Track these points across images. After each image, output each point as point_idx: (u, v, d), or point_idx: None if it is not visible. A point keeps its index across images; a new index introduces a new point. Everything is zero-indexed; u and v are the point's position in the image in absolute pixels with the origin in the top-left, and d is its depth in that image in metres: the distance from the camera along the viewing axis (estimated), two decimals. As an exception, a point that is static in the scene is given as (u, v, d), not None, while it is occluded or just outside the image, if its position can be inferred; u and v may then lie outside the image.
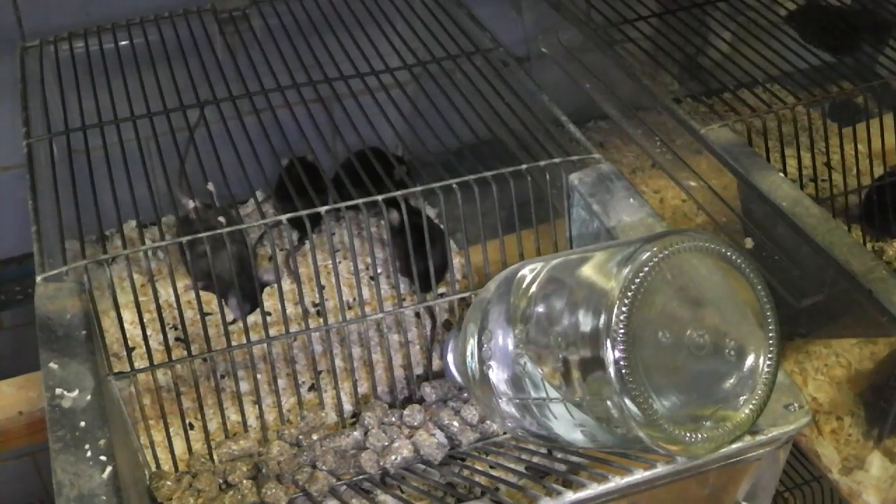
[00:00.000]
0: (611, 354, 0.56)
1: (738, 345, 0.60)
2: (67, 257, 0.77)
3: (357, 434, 0.80)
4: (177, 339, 0.94)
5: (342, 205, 0.81)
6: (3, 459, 1.34)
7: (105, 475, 0.62)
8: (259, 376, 0.86)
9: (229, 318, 0.91)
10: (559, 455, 0.74)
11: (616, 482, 0.64)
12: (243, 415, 0.82)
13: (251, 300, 0.90)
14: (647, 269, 0.57)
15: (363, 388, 0.88)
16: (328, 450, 0.78)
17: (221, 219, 0.90)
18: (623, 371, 0.56)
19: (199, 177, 0.87)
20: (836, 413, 0.96)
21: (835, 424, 0.95)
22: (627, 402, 0.56)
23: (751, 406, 0.60)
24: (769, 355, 0.61)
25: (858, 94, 1.02)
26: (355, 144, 0.92)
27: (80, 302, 0.74)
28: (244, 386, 0.86)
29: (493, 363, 0.67)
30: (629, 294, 0.57)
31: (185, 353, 0.79)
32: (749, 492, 0.72)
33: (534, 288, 0.65)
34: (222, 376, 0.88)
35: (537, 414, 0.64)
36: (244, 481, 0.76)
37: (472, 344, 0.70)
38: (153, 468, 0.78)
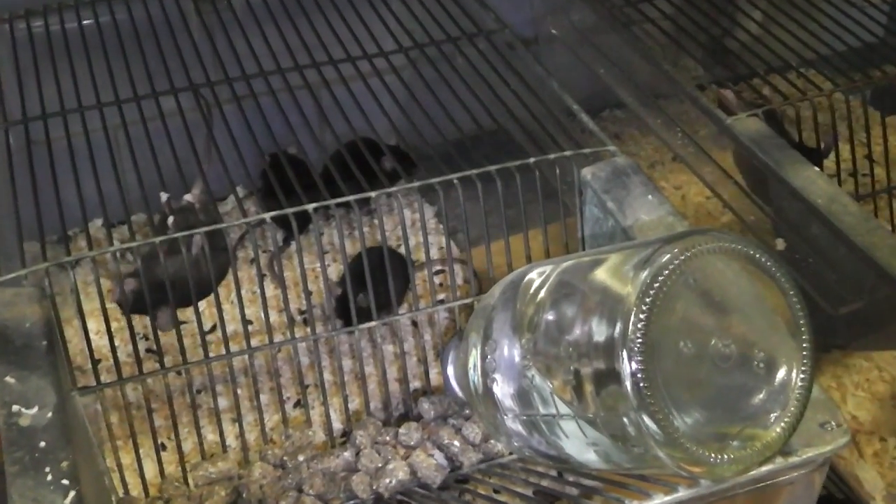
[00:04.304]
0: (627, 366, 0.56)
1: (767, 356, 0.60)
2: (26, 260, 0.77)
3: (347, 455, 0.80)
4: (148, 350, 0.94)
5: (332, 202, 0.81)
6: (-44, 484, 1.34)
7: (67, 501, 0.62)
8: (239, 391, 0.86)
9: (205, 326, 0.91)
10: (570, 478, 0.74)
11: (633, 508, 0.64)
12: (222, 434, 0.82)
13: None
14: (666, 272, 0.57)
15: (354, 403, 0.88)
16: (316, 472, 0.78)
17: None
18: (640, 384, 0.56)
19: (175, 172, 0.87)
20: (878, 433, 0.96)
21: (877, 446, 0.95)
22: (645, 418, 0.56)
23: (782, 424, 0.60)
24: (802, 368, 0.61)
25: (903, 79, 1.03)
26: (346, 135, 0.93)
27: (41, 309, 0.74)
28: (223, 402, 0.86)
29: (497, 376, 0.68)
30: (647, 300, 0.57)
31: (158, 365, 0.80)
32: (781, 519, 0.72)
33: (542, 293, 0.65)
34: (198, 391, 0.89)
35: (546, 432, 0.65)
36: (222, 507, 0.76)
37: (474, 355, 0.70)
38: (121, 493, 0.78)
